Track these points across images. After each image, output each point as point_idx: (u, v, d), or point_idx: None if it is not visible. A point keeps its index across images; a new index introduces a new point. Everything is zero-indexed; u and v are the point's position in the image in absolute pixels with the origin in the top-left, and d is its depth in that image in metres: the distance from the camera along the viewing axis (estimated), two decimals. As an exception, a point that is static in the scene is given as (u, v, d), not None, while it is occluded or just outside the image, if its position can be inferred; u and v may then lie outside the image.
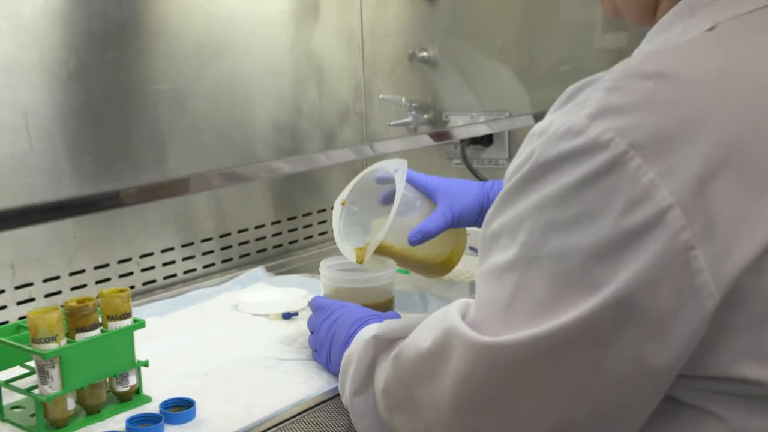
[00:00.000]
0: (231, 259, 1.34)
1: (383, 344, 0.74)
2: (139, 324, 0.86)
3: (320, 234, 1.49)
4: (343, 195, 1.16)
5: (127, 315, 0.86)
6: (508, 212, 0.60)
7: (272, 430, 0.81)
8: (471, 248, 1.23)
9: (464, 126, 1.08)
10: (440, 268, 1.15)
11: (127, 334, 0.85)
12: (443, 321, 0.63)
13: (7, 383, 0.84)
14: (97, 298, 0.85)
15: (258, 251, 1.38)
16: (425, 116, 1.47)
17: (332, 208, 1.47)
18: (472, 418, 0.62)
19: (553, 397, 0.58)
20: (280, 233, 1.41)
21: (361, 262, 1.07)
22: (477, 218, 1.11)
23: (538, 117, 1.15)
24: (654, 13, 0.69)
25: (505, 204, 0.60)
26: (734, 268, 0.53)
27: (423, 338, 0.65)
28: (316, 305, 0.95)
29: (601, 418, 0.59)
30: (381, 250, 1.08)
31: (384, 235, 1.05)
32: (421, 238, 1.07)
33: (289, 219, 1.43)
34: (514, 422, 0.60)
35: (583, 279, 0.55)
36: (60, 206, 0.59)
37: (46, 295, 1.11)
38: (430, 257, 1.12)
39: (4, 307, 1.07)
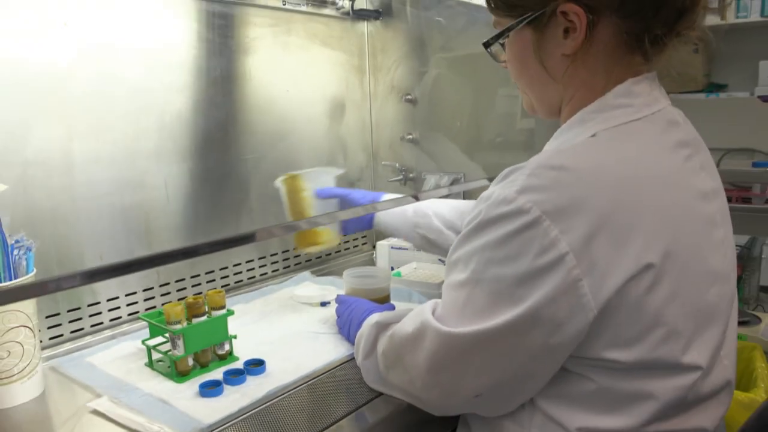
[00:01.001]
0: (289, 267, 1.34)
1: (382, 327, 0.74)
2: (230, 312, 0.87)
3: (345, 250, 1.49)
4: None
5: (223, 307, 0.87)
6: (464, 248, 0.60)
7: (313, 380, 0.81)
8: (440, 260, 1.23)
9: (434, 189, 1.08)
10: (311, 235, 1.02)
11: (223, 319, 0.87)
12: (420, 315, 0.63)
13: (154, 347, 0.86)
14: (205, 296, 0.87)
15: (306, 261, 1.39)
16: (410, 175, 1.48)
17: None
18: (438, 376, 0.62)
19: (488, 366, 0.59)
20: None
21: (282, 183, 1.02)
22: (360, 200, 1.04)
23: (482, 185, 1.16)
24: (559, 112, 0.68)
25: (462, 243, 0.60)
26: (606, 293, 0.54)
27: (408, 325, 0.66)
28: (339, 300, 0.95)
29: (520, 378, 0.60)
30: (294, 186, 1.00)
31: (305, 175, 0.99)
32: (325, 191, 1.02)
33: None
34: (465, 380, 0.61)
35: (509, 296, 0.55)
36: (182, 252, 0.61)
37: (177, 290, 1.12)
38: (312, 213, 1.01)
39: (152, 297, 1.08)
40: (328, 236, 1.02)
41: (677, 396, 0.57)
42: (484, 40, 0.69)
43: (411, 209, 1.03)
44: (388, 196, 1.04)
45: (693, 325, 0.58)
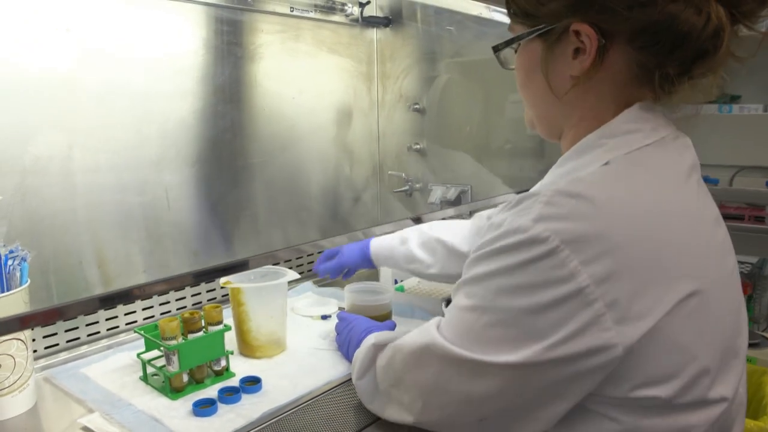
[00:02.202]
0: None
1: (379, 348, 0.71)
2: (227, 328, 0.84)
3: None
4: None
5: (220, 322, 0.84)
6: (472, 273, 0.56)
7: (311, 401, 0.78)
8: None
9: (438, 212, 1.04)
10: (251, 347, 0.91)
11: (220, 334, 0.84)
12: (426, 333, 0.60)
13: (149, 361, 0.83)
14: (201, 311, 0.84)
15: (308, 271, 1.36)
16: (417, 186, 1.45)
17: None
18: (441, 397, 0.59)
19: (496, 394, 0.55)
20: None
21: (222, 285, 0.92)
22: (356, 259, 1.08)
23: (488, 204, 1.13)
24: (559, 135, 0.65)
25: (471, 267, 0.57)
26: (636, 333, 0.50)
27: (412, 343, 0.62)
28: (340, 317, 0.92)
29: (530, 408, 0.55)
30: (235, 298, 0.89)
31: (245, 288, 0.88)
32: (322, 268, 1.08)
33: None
34: (469, 404, 0.56)
35: (522, 329, 0.51)
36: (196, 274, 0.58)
37: (177, 299, 1.10)
38: (249, 328, 0.90)
39: (151, 307, 1.06)
40: (268, 350, 0.91)
41: (704, 428, 0.54)
42: (493, 45, 0.65)
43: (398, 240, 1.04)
44: (376, 239, 1.06)
45: (719, 361, 0.55)
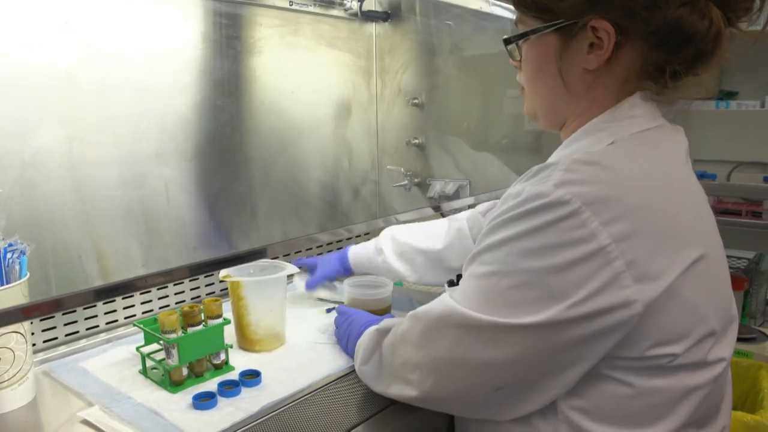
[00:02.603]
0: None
1: (383, 333, 0.71)
2: (226, 321, 0.84)
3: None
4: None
5: (220, 316, 0.83)
6: (490, 240, 0.57)
7: (309, 395, 0.77)
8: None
9: (447, 203, 1.05)
10: (250, 341, 0.90)
11: (219, 328, 0.83)
12: (441, 305, 0.60)
13: (148, 355, 0.83)
14: (201, 305, 0.83)
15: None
16: (416, 180, 1.45)
17: (353, 244, 1.46)
18: (458, 370, 0.58)
19: (514, 359, 0.55)
20: (322, 253, 1.39)
21: (221, 279, 0.94)
22: (337, 269, 1.06)
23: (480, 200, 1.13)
24: (561, 128, 0.66)
25: (489, 235, 0.57)
26: (653, 292, 0.52)
27: (428, 314, 0.62)
28: (339, 311, 0.92)
29: (549, 374, 0.56)
30: (235, 292, 0.89)
31: (245, 282, 0.88)
32: (309, 284, 1.06)
33: (328, 244, 1.40)
34: (487, 372, 0.57)
35: (545, 290, 0.52)
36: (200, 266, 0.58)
37: (176, 293, 1.09)
38: (248, 322, 0.89)
39: (150, 301, 1.05)
40: (267, 344, 0.91)
41: (708, 388, 0.57)
42: (505, 37, 0.66)
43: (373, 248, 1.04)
44: (353, 249, 1.05)
45: (722, 324, 0.58)
